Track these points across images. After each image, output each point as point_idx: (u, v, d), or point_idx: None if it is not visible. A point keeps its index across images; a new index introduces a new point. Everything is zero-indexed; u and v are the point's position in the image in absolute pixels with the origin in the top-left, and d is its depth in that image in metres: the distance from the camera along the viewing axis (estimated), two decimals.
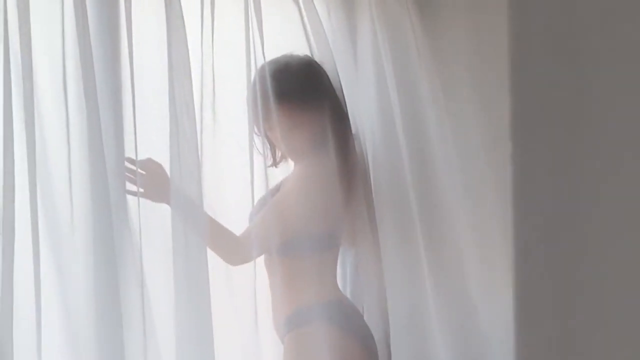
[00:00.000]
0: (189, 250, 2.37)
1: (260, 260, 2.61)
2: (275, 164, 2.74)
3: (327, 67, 2.67)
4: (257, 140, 2.60)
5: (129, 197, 2.38)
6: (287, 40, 2.64)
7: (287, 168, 2.77)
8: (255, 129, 2.58)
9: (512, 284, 2.61)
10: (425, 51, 2.66)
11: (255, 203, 2.56)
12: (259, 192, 2.57)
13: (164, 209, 2.41)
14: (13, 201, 2.16)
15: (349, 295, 2.77)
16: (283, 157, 2.75)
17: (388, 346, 2.68)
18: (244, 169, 2.52)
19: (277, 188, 2.68)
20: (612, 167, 2.73)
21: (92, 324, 2.27)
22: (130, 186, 2.40)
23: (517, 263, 2.63)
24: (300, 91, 2.62)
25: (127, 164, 2.38)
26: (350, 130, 2.71)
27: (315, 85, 2.64)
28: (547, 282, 2.67)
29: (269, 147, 2.70)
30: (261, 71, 2.53)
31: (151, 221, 2.40)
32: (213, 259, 2.48)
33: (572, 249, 2.67)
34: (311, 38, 2.63)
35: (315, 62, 2.65)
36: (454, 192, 2.64)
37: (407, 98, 2.66)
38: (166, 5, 2.37)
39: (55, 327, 2.27)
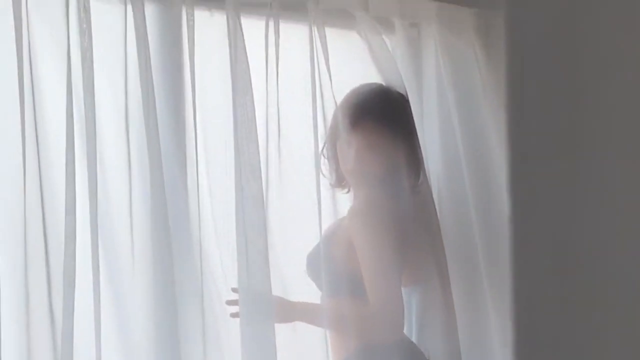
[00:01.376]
0: (252, 290, 2.34)
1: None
2: (335, 184, 2.68)
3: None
4: (325, 163, 2.60)
5: (189, 233, 2.34)
6: (354, 74, 2.63)
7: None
8: (325, 144, 2.58)
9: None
10: (490, 86, 2.62)
11: (322, 233, 2.52)
12: (326, 218, 2.54)
13: (224, 249, 2.39)
14: (74, 242, 2.14)
15: (414, 337, 2.71)
16: (344, 181, 2.69)
17: None
18: (311, 197, 2.50)
19: (335, 230, 2.62)
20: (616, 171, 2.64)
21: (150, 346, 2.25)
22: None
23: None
24: (392, 115, 2.62)
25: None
26: (421, 165, 2.67)
27: (405, 115, 2.63)
28: None
29: (331, 166, 2.67)
30: (349, 96, 2.58)
31: (212, 260, 2.37)
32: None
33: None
34: (381, 72, 2.63)
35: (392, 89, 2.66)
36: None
37: (471, 133, 2.62)
38: (230, 43, 2.36)
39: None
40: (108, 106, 2.25)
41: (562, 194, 2.75)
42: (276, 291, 2.41)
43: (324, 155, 2.61)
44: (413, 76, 2.68)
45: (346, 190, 2.69)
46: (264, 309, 2.37)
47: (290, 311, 2.51)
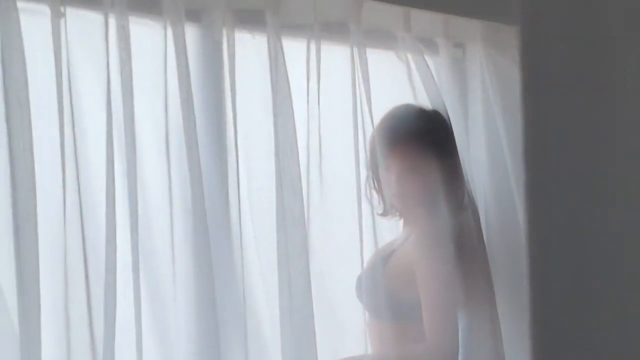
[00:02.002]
0: (293, 324, 2.31)
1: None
2: (385, 213, 2.65)
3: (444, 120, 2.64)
4: (367, 189, 2.57)
5: (231, 254, 2.31)
6: (394, 96, 2.60)
7: (395, 224, 2.70)
8: (369, 174, 2.56)
9: None
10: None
11: (364, 261, 2.49)
12: (367, 244, 2.50)
13: (266, 270, 2.35)
14: (115, 267, 2.11)
15: None
16: (393, 208, 2.66)
17: None
18: (352, 219, 2.47)
19: (389, 254, 2.58)
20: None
21: None
22: None
23: None
24: (428, 134, 2.59)
25: None
26: (465, 185, 2.63)
27: (442, 135, 2.60)
28: None
29: (379, 195, 2.64)
30: (388, 118, 2.56)
31: (254, 279, 2.34)
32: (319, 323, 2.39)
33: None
34: (421, 93, 2.59)
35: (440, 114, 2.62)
36: None
37: (519, 152, 2.57)
38: (271, 66, 2.34)
39: None
40: (148, 131, 2.23)
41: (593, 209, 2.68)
42: (318, 312, 2.36)
43: (370, 185, 2.58)
44: (458, 96, 2.64)
45: (397, 217, 2.65)
46: (305, 331, 2.32)
47: None
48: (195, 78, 2.28)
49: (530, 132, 2.49)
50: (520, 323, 2.59)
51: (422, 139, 2.58)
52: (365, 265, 2.52)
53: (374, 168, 2.58)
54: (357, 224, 2.48)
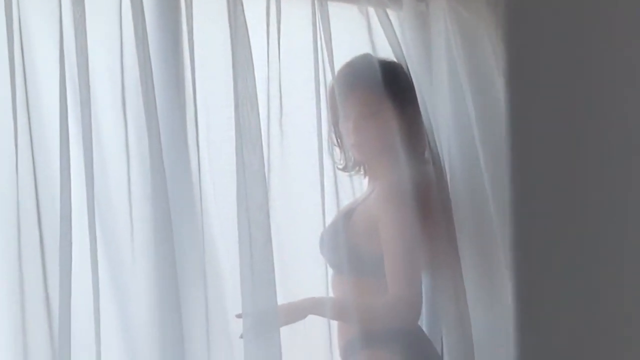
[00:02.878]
0: (254, 275, 2.28)
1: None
2: (346, 167, 2.61)
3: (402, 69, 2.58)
4: (330, 143, 2.54)
5: (192, 212, 2.27)
6: (355, 50, 2.55)
7: (358, 180, 2.65)
8: (330, 127, 2.52)
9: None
10: (502, 57, 2.53)
11: (325, 216, 2.46)
12: (329, 199, 2.47)
13: (225, 223, 2.31)
14: (70, 226, 2.07)
15: (424, 323, 2.64)
16: (354, 163, 2.62)
17: None
18: (313, 174, 2.44)
19: (352, 210, 2.55)
20: (619, 165, 2.56)
21: (153, 348, 2.18)
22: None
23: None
24: (386, 82, 2.52)
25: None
26: (425, 139, 2.59)
27: (402, 86, 2.55)
28: None
29: (340, 149, 2.60)
30: (342, 69, 2.50)
31: (216, 238, 2.30)
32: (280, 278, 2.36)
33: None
34: (383, 48, 2.55)
35: (389, 61, 2.57)
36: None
37: (484, 105, 2.55)
38: (230, 17, 2.29)
39: (116, 351, 2.18)
40: (104, 84, 2.18)
41: (568, 172, 2.67)
42: (279, 265, 2.33)
43: (332, 140, 2.55)
44: (421, 51, 2.59)
45: (361, 174, 2.63)
46: (266, 283, 2.29)
47: (297, 311, 2.44)
48: (152, 30, 2.23)
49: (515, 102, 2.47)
50: (484, 281, 2.55)
51: (380, 87, 2.52)
52: (330, 221, 2.49)
53: (334, 121, 2.54)
54: (318, 178, 2.44)
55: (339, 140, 2.58)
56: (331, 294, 2.50)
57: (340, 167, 2.57)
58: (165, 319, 2.19)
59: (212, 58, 2.31)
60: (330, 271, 2.51)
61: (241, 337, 2.29)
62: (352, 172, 2.62)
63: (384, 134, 2.54)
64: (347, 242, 2.47)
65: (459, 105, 2.58)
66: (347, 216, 2.50)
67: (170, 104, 2.25)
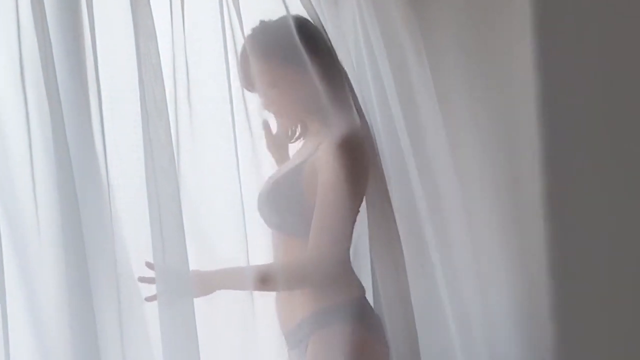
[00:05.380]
0: (167, 249, 2.22)
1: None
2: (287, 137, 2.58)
3: (313, 31, 2.49)
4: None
5: (98, 194, 2.21)
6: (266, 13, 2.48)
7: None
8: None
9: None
10: (412, 22, 2.50)
11: (242, 186, 2.38)
12: (247, 177, 2.39)
13: (135, 203, 2.24)
14: None
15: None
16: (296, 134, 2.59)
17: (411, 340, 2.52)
18: (228, 153, 2.36)
19: (298, 166, 2.48)
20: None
21: (63, 336, 2.13)
22: (150, 289, 2.26)
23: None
24: (272, 45, 2.45)
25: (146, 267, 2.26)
26: (351, 94, 2.51)
27: (295, 42, 2.44)
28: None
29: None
30: (250, 34, 2.43)
31: (123, 218, 2.24)
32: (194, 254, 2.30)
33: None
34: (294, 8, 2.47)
35: (299, 19, 2.47)
36: (451, 178, 2.55)
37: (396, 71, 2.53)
38: None
39: (24, 338, 2.13)
40: (2, 68, 2.11)
41: None
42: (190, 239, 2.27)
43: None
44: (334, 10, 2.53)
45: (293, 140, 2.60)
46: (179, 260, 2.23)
47: (210, 281, 2.37)
48: (51, 7, 2.16)
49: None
50: (416, 252, 2.57)
51: (300, 47, 2.44)
52: (267, 180, 2.45)
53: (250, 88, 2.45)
54: (232, 148, 2.37)
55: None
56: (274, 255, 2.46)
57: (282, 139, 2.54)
58: (75, 301, 2.14)
59: (113, 29, 2.22)
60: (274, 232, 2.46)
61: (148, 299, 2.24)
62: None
63: (300, 100, 2.49)
64: (298, 197, 2.42)
65: (376, 75, 2.54)
66: (295, 172, 2.45)
67: (71, 81, 2.18)
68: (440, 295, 2.59)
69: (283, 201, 2.45)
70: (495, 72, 2.62)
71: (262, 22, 2.47)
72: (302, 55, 2.42)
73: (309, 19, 2.49)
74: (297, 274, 2.42)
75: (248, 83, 2.42)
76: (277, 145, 2.62)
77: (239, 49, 2.39)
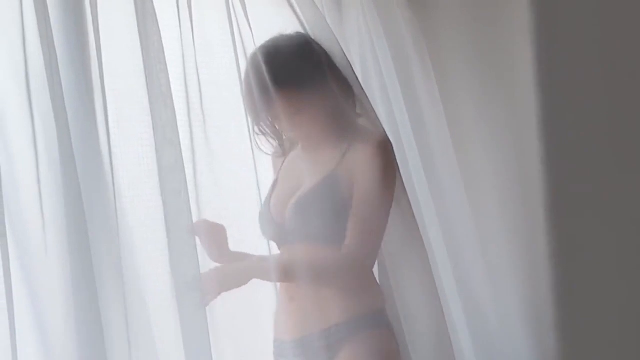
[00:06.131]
0: (175, 250, 2.22)
1: None
2: (284, 154, 2.54)
3: (327, 44, 2.47)
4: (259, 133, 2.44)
5: (104, 205, 2.20)
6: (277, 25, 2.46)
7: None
8: (255, 122, 2.41)
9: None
10: (415, 24, 2.51)
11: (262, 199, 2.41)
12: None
13: (138, 210, 2.24)
14: None
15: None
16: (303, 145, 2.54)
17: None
18: (246, 167, 2.37)
19: (330, 176, 2.45)
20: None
21: (70, 345, 2.12)
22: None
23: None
24: (295, 74, 2.41)
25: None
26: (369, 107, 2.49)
27: (310, 65, 2.42)
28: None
29: (274, 138, 2.50)
30: (253, 59, 2.37)
31: (130, 223, 2.24)
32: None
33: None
34: (304, 20, 2.45)
35: (309, 38, 2.45)
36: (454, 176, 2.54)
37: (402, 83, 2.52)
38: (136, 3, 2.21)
39: (31, 348, 2.12)
40: (8, 79, 2.11)
41: None
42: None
43: (261, 132, 2.45)
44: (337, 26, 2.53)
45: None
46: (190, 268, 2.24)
47: (237, 275, 2.38)
48: (55, 17, 2.16)
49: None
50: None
51: (299, 77, 2.42)
52: (278, 195, 2.45)
53: (257, 118, 2.42)
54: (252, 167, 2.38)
55: (269, 127, 2.47)
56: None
57: (279, 154, 2.51)
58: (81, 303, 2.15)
59: (121, 52, 2.22)
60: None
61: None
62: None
63: (322, 123, 2.46)
64: (337, 205, 2.40)
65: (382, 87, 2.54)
66: (332, 179, 2.43)
67: (77, 90, 2.18)
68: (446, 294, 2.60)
69: (318, 210, 2.42)
70: (496, 73, 2.62)
71: (270, 50, 2.41)
72: (323, 74, 2.42)
73: (318, 30, 2.47)
74: (330, 271, 2.41)
75: (263, 116, 2.41)
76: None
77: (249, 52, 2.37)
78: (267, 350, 2.45)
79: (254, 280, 2.39)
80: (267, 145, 2.48)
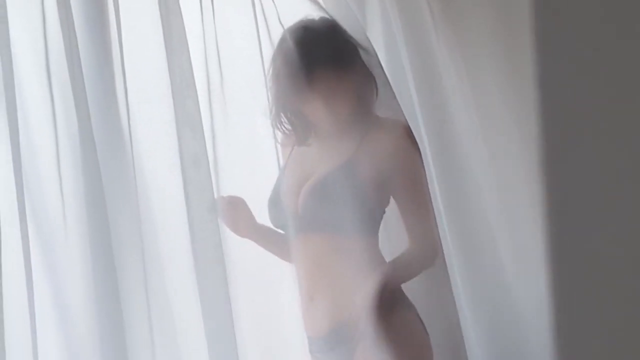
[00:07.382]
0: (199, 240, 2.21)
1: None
2: (304, 142, 2.51)
3: (353, 29, 2.47)
4: (279, 121, 2.43)
5: (125, 189, 2.20)
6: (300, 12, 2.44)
7: None
8: (280, 109, 2.41)
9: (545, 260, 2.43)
10: (441, 19, 2.45)
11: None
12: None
13: (162, 204, 2.24)
14: None
15: None
16: (317, 133, 2.52)
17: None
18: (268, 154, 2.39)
19: (346, 164, 2.45)
20: None
21: (90, 330, 2.13)
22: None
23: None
24: (331, 52, 2.40)
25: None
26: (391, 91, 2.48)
27: (344, 46, 2.43)
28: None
29: (296, 125, 2.48)
30: (282, 42, 2.37)
31: (153, 212, 2.23)
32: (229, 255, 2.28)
33: (606, 227, 2.47)
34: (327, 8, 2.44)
35: (335, 21, 2.45)
36: (479, 164, 2.44)
37: (422, 68, 2.44)
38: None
39: (52, 334, 2.13)
40: (28, 62, 2.12)
41: None
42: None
43: (283, 123, 2.45)
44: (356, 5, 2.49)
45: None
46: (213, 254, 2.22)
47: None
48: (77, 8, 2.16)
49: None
50: None
51: (336, 58, 2.41)
52: (297, 182, 2.44)
53: (285, 103, 2.42)
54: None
55: (292, 118, 2.46)
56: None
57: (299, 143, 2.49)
58: (101, 298, 2.14)
59: (142, 39, 2.21)
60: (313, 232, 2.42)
61: None
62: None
63: (354, 104, 2.45)
64: (357, 191, 2.39)
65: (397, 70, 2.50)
66: (351, 165, 2.42)
67: (99, 81, 2.18)
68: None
69: (336, 196, 2.41)
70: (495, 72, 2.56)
71: (300, 32, 2.40)
72: (354, 55, 2.42)
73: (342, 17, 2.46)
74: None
75: (292, 100, 2.41)
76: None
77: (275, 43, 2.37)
78: (291, 344, 2.46)
79: (276, 280, 2.44)
80: (277, 133, 2.47)
